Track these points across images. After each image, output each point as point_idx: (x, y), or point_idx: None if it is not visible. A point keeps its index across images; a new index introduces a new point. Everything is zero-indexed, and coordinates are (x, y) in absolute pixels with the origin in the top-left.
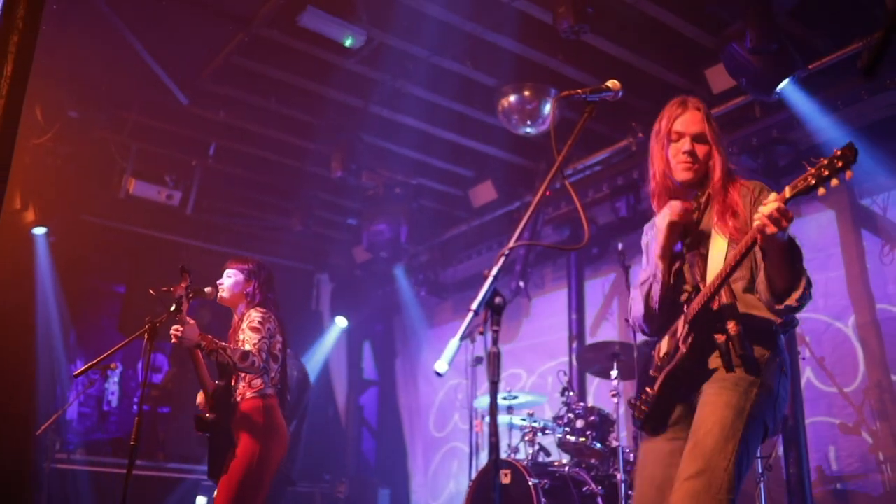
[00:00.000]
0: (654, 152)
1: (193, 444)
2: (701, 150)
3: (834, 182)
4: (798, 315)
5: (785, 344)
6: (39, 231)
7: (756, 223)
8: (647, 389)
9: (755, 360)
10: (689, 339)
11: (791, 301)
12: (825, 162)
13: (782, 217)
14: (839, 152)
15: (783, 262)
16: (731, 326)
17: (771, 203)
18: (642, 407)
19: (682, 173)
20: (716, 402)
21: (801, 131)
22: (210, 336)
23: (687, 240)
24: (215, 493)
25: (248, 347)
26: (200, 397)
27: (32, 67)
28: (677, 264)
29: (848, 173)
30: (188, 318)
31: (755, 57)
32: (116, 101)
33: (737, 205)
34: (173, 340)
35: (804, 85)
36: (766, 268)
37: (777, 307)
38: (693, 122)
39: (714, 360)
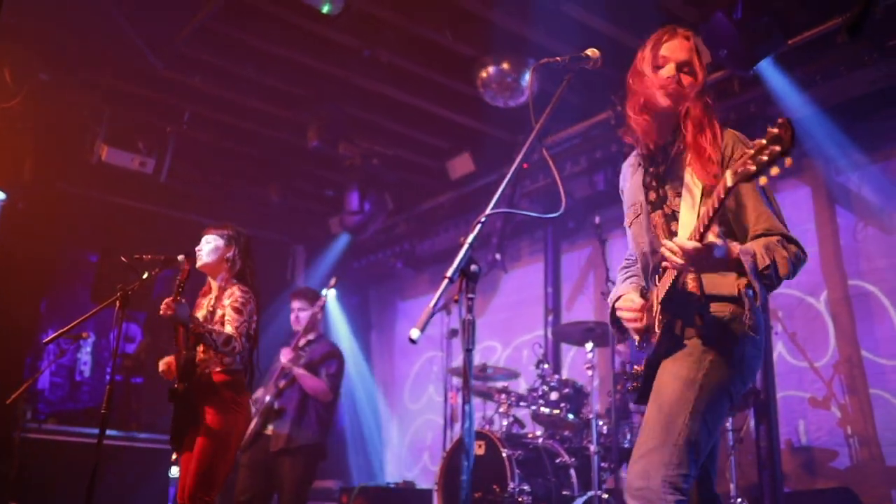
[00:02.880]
0: (635, 80)
1: (167, 415)
2: (685, 79)
3: (774, 171)
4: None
5: (758, 302)
6: None
7: (667, 254)
8: (636, 367)
9: (711, 326)
10: (662, 321)
11: (731, 290)
12: (763, 145)
13: (694, 258)
14: (775, 132)
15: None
16: (697, 303)
17: (686, 243)
18: (635, 384)
19: (662, 98)
20: (667, 376)
21: (779, 107)
22: (197, 318)
23: (651, 195)
24: (174, 457)
25: (229, 329)
26: (164, 365)
27: (0, 27)
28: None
29: (787, 161)
30: (182, 300)
31: (741, 30)
32: (89, 65)
33: (710, 152)
34: (162, 313)
35: (783, 60)
36: None
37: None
38: (680, 50)
39: (678, 331)
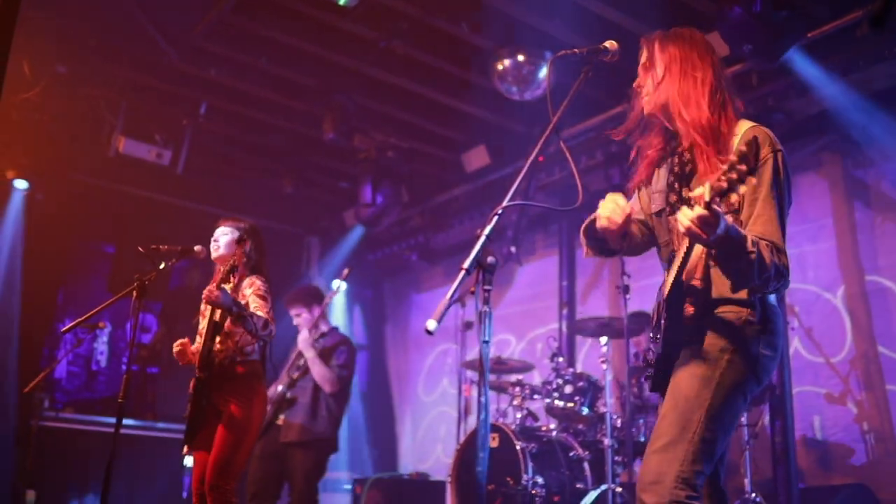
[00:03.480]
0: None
1: (182, 405)
2: (653, 77)
3: (742, 189)
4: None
5: (773, 301)
6: (21, 185)
7: (681, 228)
8: (649, 357)
9: (725, 327)
10: (665, 312)
11: (741, 294)
12: (736, 162)
13: (702, 227)
14: (743, 149)
15: (722, 261)
16: (696, 299)
17: (693, 211)
18: (649, 371)
19: (642, 107)
20: (683, 374)
21: (798, 101)
22: (241, 303)
23: (672, 197)
24: (190, 455)
25: (262, 315)
26: (178, 346)
27: (19, 19)
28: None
29: (750, 179)
30: (224, 287)
31: (761, 23)
32: (106, 57)
33: (714, 147)
34: (205, 299)
35: (803, 52)
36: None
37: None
38: (642, 56)
39: (689, 328)
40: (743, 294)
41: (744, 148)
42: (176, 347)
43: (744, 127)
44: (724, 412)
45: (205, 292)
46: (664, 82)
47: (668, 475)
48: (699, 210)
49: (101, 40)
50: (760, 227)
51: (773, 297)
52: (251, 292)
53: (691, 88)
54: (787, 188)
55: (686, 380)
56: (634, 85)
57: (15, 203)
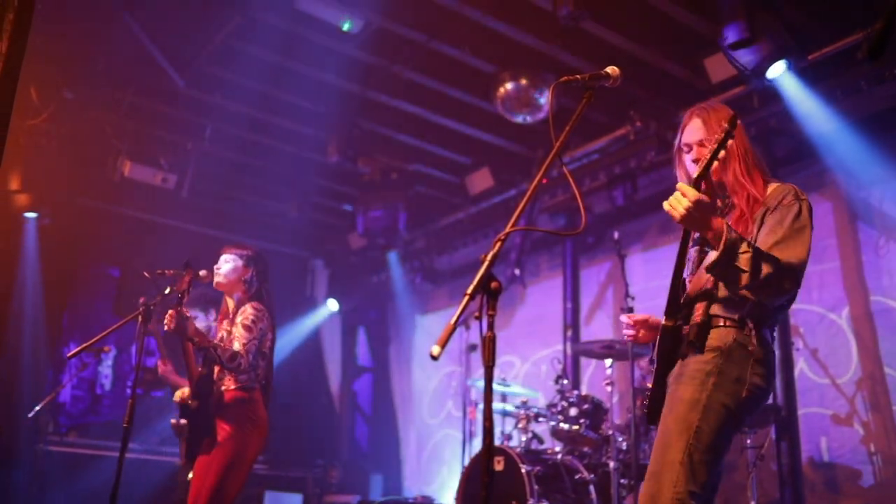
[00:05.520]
0: (676, 166)
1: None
2: (702, 152)
3: (721, 153)
4: (792, 306)
5: (765, 329)
6: (31, 215)
7: (666, 207)
8: (648, 384)
9: (714, 348)
10: (664, 330)
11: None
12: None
13: (678, 199)
14: (725, 126)
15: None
16: (695, 317)
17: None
18: (645, 402)
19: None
20: (672, 398)
21: (800, 122)
22: (202, 333)
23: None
24: (190, 476)
25: (237, 346)
26: (178, 398)
27: (27, 46)
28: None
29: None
30: (185, 311)
31: (750, 44)
32: (112, 82)
33: (744, 210)
34: (166, 328)
35: (804, 75)
36: None
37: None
38: (694, 131)
39: (681, 350)
40: (735, 314)
41: (717, 136)
42: (176, 398)
43: (771, 189)
44: (711, 434)
45: (165, 321)
46: (730, 162)
47: (661, 499)
48: (683, 186)
49: (106, 66)
50: (772, 239)
51: (766, 333)
52: (240, 320)
53: (751, 168)
54: (810, 232)
55: (675, 404)
56: (692, 160)
57: (30, 235)
